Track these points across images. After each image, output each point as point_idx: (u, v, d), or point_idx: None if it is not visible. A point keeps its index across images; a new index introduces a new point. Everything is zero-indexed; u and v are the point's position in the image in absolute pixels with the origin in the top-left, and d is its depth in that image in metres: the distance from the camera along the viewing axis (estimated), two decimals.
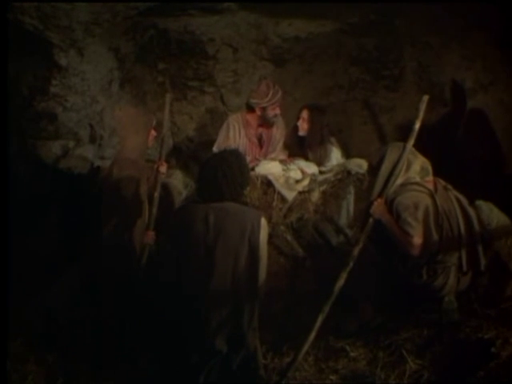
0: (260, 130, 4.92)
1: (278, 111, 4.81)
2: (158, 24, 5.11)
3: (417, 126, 3.49)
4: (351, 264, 3.37)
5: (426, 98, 3.53)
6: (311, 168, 4.71)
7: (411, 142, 3.50)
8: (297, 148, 5.02)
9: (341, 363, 3.45)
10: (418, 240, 3.41)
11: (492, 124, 5.19)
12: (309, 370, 3.41)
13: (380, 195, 3.55)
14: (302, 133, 4.93)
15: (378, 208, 3.48)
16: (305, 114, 4.87)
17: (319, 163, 4.87)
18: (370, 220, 3.49)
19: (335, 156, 4.91)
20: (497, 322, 3.43)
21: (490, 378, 2.96)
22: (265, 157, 4.93)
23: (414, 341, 3.50)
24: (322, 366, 3.45)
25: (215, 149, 4.81)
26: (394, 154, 3.56)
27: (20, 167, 4.70)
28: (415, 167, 3.59)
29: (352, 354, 3.51)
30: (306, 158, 4.95)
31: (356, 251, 3.40)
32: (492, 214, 3.85)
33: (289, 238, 4.38)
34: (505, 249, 3.89)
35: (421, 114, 3.49)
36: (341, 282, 3.34)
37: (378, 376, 3.27)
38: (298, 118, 4.91)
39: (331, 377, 3.36)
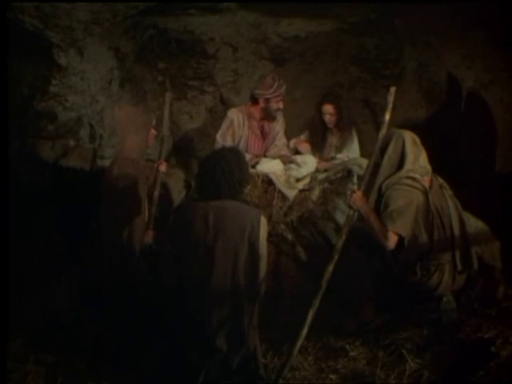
0: (262, 122, 4.96)
1: (280, 105, 4.86)
2: (158, 23, 5.10)
3: (387, 117, 3.55)
4: (336, 257, 3.40)
5: (393, 89, 3.59)
6: (309, 164, 4.72)
7: (383, 131, 3.56)
8: (316, 135, 5.08)
9: (340, 363, 3.45)
10: (393, 235, 3.43)
11: (492, 123, 5.20)
12: (308, 370, 3.42)
13: (359, 188, 3.62)
14: (331, 125, 5.02)
15: (356, 200, 3.52)
16: (330, 109, 4.94)
17: (339, 149, 4.98)
18: (350, 212, 3.53)
19: (355, 143, 5.00)
20: (497, 322, 3.44)
21: (489, 377, 2.96)
22: (267, 149, 4.99)
23: (414, 340, 3.50)
24: (322, 366, 3.45)
25: (218, 137, 4.86)
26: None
27: (20, 167, 4.70)
28: (421, 161, 3.62)
29: (352, 354, 3.51)
30: (325, 144, 5.06)
31: (340, 244, 3.43)
32: (470, 222, 3.87)
33: (289, 236, 4.37)
34: (487, 252, 3.93)
35: (390, 106, 3.55)
36: (327, 276, 3.36)
37: (377, 375, 3.27)
38: (321, 113, 4.98)
39: (331, 376, 3.36)
